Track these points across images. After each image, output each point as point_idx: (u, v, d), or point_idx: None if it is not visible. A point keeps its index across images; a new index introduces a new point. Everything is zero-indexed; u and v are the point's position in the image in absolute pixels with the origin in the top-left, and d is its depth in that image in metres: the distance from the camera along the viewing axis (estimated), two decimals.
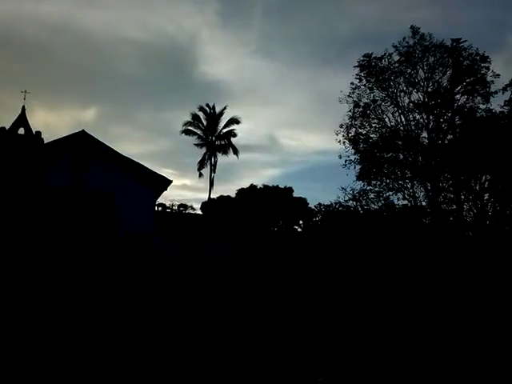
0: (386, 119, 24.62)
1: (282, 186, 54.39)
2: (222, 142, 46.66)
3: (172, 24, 74.04)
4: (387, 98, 24.49)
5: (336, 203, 25.75)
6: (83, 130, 21.96)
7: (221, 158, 46.70)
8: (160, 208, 39.44)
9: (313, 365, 7.58)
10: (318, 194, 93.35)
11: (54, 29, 65.59)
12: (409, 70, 24.07)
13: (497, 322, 11.05)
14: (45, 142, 18.24)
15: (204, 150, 46.50)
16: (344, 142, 24.98)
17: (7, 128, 16.64)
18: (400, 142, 24.32)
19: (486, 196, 22.62)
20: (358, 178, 24.57)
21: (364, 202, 24.44)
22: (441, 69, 23.79)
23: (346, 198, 24.50)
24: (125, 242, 18.85)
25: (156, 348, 8.22)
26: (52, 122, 64.64)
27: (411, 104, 24.22)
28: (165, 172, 70.40)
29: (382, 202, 24.26)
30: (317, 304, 13.56)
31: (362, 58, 24.63)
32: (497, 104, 23.13)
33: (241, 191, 53.81)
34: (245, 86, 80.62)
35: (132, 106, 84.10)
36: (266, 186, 54.20)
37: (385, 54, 24.26)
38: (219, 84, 77.00)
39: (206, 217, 41.82)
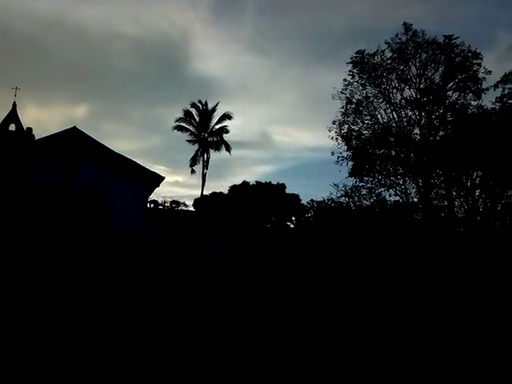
0: (379, 116, 24.69)
1: (275, 183, 54.53)
2: (215, 139, 46.52)
3: (165, 20, 73.82)
4: (380, 94, 24.54)
5: (328, 199, 25.89)
6: (75, 127, 21.80)
7: (213, 155, 46.58)
8: (152, 205, 39.43)
9: (304, 361, 7.60)
10: (310, 190, 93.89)
11: (46, 24, 65.24)
12: (401, 67, 24.11)
13: (488, 315, 11.15)
14: (36, 138, 18.12)
15: (196, 146, 46.34)
16: (337, 139, 25.04)
17: None
18: (392, 139, 24.39)
19: (477, 192, 22.75)
20: (351, 174, 24.63)
21: (356, 199, 24.54)
22: (433, 65, 23.85)
23: (339, 195, 24.61)
24: (116, 239, 18.79)
25: (144, 342, 8.21)
26: (43, 119, 64.34)
27: (403, 100, 24.28)
28: (157, 169, 69.91)
29: (374, 198, 24.38)
30: (310, 300, 13.60)
31: (354, 55, 24.65)
32: (488, 101, 23.25)
33: (233, 188, 53.82)
34: (238, 82, 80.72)
35: (124, 102, 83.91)
36: (258, 183, 54.30)
37: (377, 50, 24.29)
38: (212, 80, 77.00)
39: (198, 213, 41.77)
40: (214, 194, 52.59)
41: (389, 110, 24.48)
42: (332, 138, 25.08)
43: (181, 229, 26.18)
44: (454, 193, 23.17)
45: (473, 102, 23.53)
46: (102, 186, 21.72)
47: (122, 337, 8.64)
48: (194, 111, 46.49)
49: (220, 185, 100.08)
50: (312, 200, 43.04)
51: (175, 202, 46.38)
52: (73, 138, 21.08)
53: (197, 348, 8.16)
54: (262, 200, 48.86)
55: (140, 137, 79.27)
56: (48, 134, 21.17)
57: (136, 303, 11.52)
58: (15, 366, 6.65)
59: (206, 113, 46.49)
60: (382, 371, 7.13)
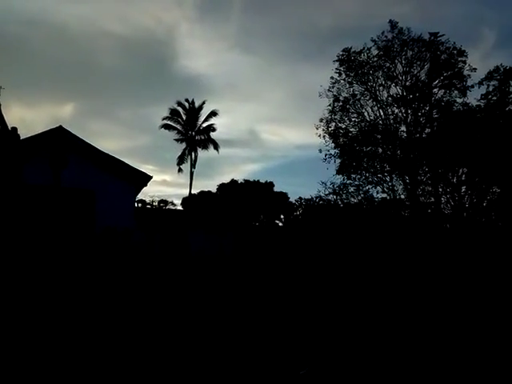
0: (365, 113, 24.85)
1: (263, 181, 54.64)
2: (202, 137, 46.51)
3: (151, 18, 73.20)
4: (366, 92, 24.68)
5: (316, 197, 26.00)
6: (60, 126, 21.56)
7: (201, 153, 46.60)
8: (140, 204, 39.22)
9: (294, 358, 7.62)
10: (298, 188, 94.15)
11: (31, 22, 64.31)
12: (387, 64, 24.26)
13: (472, 309, 11.28)
14: (21, 138, 17.89)
15: (184, 145, 46.30)
16: (324, 136, 25.18)
17: None
18: (379, 136, 24.57)
19: (463, 188, 22.98)
20: (338, 172, 24.79)
21: (344, 196, 24.68)
22: (419, 63, 24.03)
23: (327, 192, 24.73)
24: (103, 238, 18.69)
25: (132, 340, 8.17)
26: (28, 118, 63.52)
27: (390, 98, 24.45)
28: (145, 168, 69.71)
29: (362, 195, 24.53)
30: (299, 297, 13.64)
31: (341, 53, 24.76)
32: (473, 98, 23.54)
33: (222, 186, 53.80)
34: (225, 80, 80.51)
35: (111, 101, 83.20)
36: (246, 181, 54.33)
37: (364, 48, 24.43)
38: (199, 78, 76.71)
39: (186, 212, 41.65)
40: (202, 192, 52.53)
41: (375, 108, 24.68)
42: (319, 136, 25.24)
43: (169, 228, 26.09)
44: (441, 189, 23.40)
45: (458, 100, 23.80)
46: (88, 186, 21.55)
47: (109, 336, 8.58)
48: (180, 110, 46.40)
49: (208, 184, 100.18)
50: (300, 198, 43.39)
51: (163, 202, 46.23)
52: (58, 138, 20.87)
53: (182, 345, 8.14)
54: (250, 198, 48.93)
55: (127, 136, 78.76)
56: (33, 134, 21.00)
57: (125, 301, 11.46)
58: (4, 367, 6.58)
59: (193, 111, 46.40)
60: (373, 368, 7.17)
